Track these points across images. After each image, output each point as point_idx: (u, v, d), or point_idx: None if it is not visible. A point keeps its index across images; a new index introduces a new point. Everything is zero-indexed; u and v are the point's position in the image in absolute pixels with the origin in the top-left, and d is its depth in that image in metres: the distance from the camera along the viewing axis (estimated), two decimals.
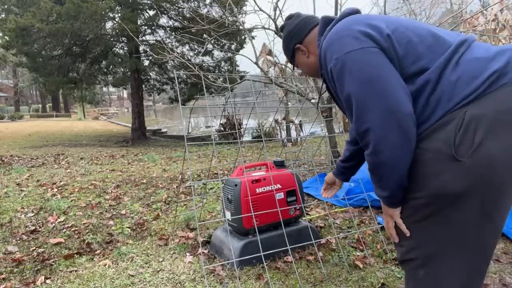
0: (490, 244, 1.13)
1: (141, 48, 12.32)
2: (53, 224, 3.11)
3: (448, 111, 1.07)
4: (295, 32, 1.43)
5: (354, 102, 1.14)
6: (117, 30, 11.41)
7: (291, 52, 1.46)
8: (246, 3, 10.47)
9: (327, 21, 1.31)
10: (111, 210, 3.54)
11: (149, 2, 12.19)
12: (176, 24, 12.48)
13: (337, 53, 1.15)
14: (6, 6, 12.18)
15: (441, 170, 1.07)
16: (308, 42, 1.40)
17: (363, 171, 3.41)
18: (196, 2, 12.34)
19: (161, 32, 13.05)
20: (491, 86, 1.05)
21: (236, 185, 2.25)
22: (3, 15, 12.15)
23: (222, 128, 10.57)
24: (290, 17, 1.49)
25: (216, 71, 12.97)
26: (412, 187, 1.15)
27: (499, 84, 1.04)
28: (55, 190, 4.37)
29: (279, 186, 2.33)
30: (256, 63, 5.05)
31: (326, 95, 4.59)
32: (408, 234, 1.20)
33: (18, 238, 2.81)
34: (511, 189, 1.07)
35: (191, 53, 12.92)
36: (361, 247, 2.42)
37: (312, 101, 4.49)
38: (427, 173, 1.10)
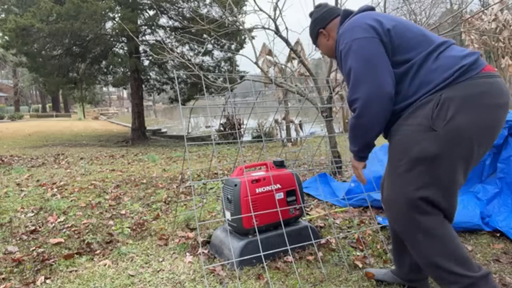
0: (459, 182, 1.46)
1: (141, 48, 12.31)
2: (53, 224, 3.11)
3: (428, 92, 1.41)
4: (320, 19, 1.78)
5: (352, 75, 1.49)
6: (117, 30, 11.40)
7: (315, 35, 1.82)
8: (246, 3, 10.47)
9: (347, 14, 1.67)
10: (111, 210, 3.54)
11: (149, 2, 12.18)
12: (176, 24, 12.47)
13: (347, 39, 1.52)
14: (6, 6, 12.17)
15: (421, 139, 1.40)
16: (329, 29, 1.76)
17: (364, 171, 3.40)
18: (196, 2, 12.33)
19: (161, 32, 13.05)
20: (460, 77, 1.38)
21: (236, 185, 2.25)
22: (3, 15, 12.14)
23: (222, 128, 10.57)
24: (318, 6, 1.85)
25: (216, 71, 12.96)
26: (398, 156, 1.49)
27: (466, 77, 1.38)
28: (55, 190, 4.37)
29: (279, 186, 2.33)
30: (256, 63, 5.05)
31: (326, 95, 4.59)
32: (364, 182, 1.69)
33: (18, 238, 2.81)
34: (478, 150, 1.40)
35: (191, 53, 12.91)
36: (361, 247, 2.42)
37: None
38: (410, 141, 1.43)
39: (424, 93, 1.42)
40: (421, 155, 1.40)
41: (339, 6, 4.33)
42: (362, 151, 1.62)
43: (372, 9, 1.68)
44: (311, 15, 1.85)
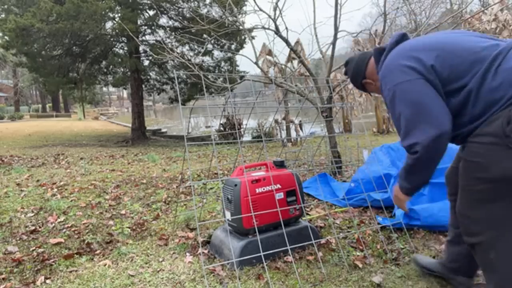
0: None
1: (141, 48, 12.31)
2: (53, 224, 3.11)
3: (496, 111, 1.33)
4: (357, 71, 1.79)
5: (403, 122, 1.45)
6: (117, 30, 11.40)
7: (362, 86, 1.83)
8: (246, 3, 10.47)
9: (380, 52, 1.64)
10: (111, 210, 3.54)
11: (149, 2, 12.18)
12: (176, 24, 12.47)
13: (389, 85, 1.47)
14: (6, 6, 12.17)
15: (500, 159, 1.33)
16: (369, 74, 1.75)
17: (363, 171, 3.39)
18: (196, 2, 12.33)
19: (161, 32, 13.04)
20: None
21: (236, 185, 2.25)
22: (3, 15, 12.13)
23: (222, 128, 10.57)
24: (347, 63, 1.86)
25: (216, 71, 12.96)
26: (473, 174, 1.43)
27: None
28: (55, 190, 4.37)
29: (279, 186, 2.33)
30: (256, 63, 5.05)
31: (326, 95, 4.59)
32: (407, 212, 1.90)
33: (18, 238, 2.81)
34: None
35: (191, 53, 12.90)
36: (361, 247, 2.43)
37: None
38: (487, 161, 1.37)
39: (492, 112, 1.35)
40: (502, 176, 1.35)
41: (339, 6, 4.33)
42: (415, 189, 1.63)
43: (404, 37, 1.60)
44: (346, 73, 1.89)
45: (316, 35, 4.71)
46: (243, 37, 11.90)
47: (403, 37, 1.60)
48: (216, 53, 13.21)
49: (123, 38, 12.62)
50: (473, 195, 1.46)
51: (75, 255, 2.47)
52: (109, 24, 12.39)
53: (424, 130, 1.38)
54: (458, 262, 1.83)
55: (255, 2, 4.47)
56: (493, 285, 1.48)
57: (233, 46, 12.21)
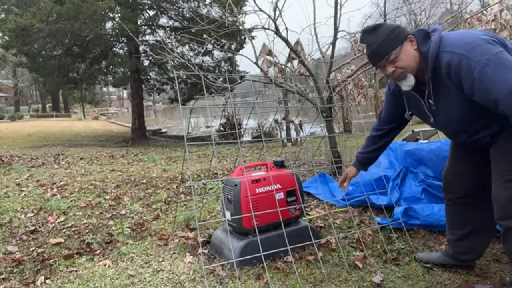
0: None
1: (141, 48, 12.31)
2: (53, 224, 3.11)
3: None
4: (403, 29, 1.68)
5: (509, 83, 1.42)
6: (117, 30, 11.40)
7: (402, 40, 1.65)
8: (246, 3, 10.46)
9: (426, 34, 1.65)
10: (111, 210, 3.54)
11: (149, 2, 12.19)
12: (176, 24, 12.47)
13: (485, 55, 1.47)
14: (6, 6, 12.17)
15: None
16: (403, 50, 1.65)
17: (362, 174, 3.40)
18: (196, 2, 12.33)
19: (161, 32, 13.05)
20: None
21: (236, 185, 2.25)
22: (3, 15, 12.14)
23: (222, 128, 10.58)
24: (376, 28, 1.70)
25: (216, 71, 12.96)
26: None
27: None
28: (55, 190, 4.37)
29: (279, 186, 2.33)
30: (256, 63, 5.04)
31: (326, 95, 4.59)
32: None
33: (18, 238, 2.81)
34: None
35: (191, 53, 12.92)
36: (361, 247, 2.43)
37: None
38: None
39: None
40: None
41: (339, 6, 4.33)
42: None
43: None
44: (376, 28, 1.70)
45: (316, 35, 4.71)
46: (243, 37, 11.90)
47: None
48: (216, 53, 13.22)
49: (123, 38, 12.63)
50: None
51: (75, 255, 2.47)
52: (109, 24, 12.40)
53: None
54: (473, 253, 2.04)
55: (255, 2, 4.46)
56: None
57: (233, 46, 12.21)
